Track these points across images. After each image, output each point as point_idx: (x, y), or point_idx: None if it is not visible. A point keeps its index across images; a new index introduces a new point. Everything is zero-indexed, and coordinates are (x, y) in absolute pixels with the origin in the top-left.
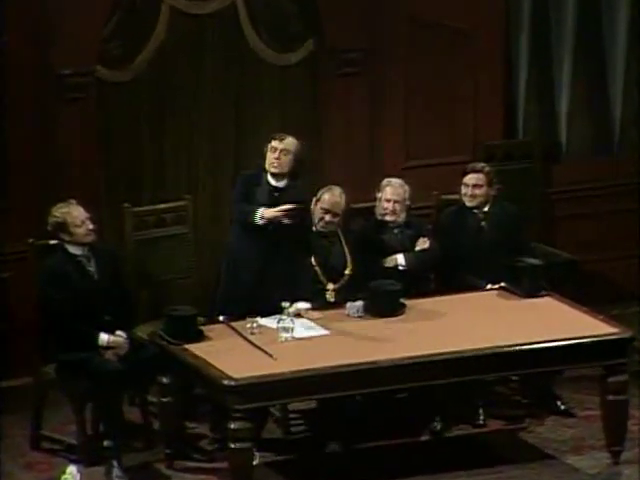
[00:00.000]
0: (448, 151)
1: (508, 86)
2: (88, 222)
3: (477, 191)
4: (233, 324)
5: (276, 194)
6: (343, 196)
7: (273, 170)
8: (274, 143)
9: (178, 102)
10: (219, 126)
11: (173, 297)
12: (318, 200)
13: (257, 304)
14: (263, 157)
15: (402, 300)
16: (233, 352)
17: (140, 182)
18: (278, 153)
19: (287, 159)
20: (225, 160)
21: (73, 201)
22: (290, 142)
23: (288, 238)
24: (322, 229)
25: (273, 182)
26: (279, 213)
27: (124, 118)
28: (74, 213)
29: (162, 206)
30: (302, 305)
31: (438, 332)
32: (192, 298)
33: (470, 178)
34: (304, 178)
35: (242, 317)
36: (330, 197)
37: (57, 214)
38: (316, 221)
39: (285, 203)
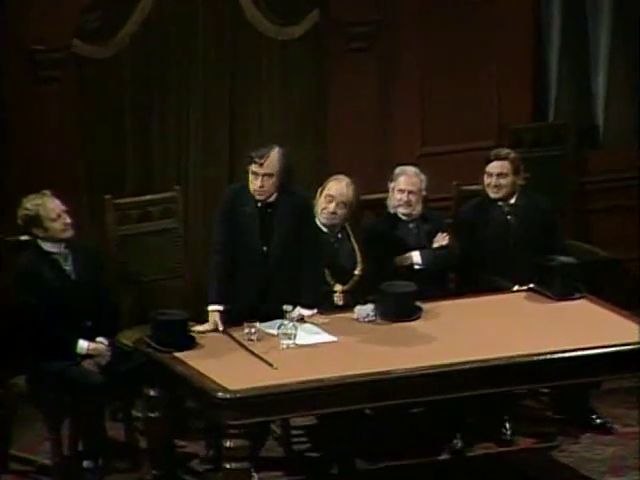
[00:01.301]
0: (469, 136)
1: (538, 62)
2: (65, 216)
3: (502, 181)
4: (229, 330)
5: (269, 210)
6: (352, 187)
7: (258, 197)
8: (254, 168)
9: (166, 82)
10: (212, 109)
11: (161, 299)
12: (323, 189)
13: (258, 312)
14: (246, 171)
15: (418, 303)
16: (228, 361)
17: (123, 171)
18: (260, 180)
19: (271, 182)
20: (219, 147)
21: (48, 192)
22: (272, 162)
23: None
24: (325, 221)
25: (261, 198)
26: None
27: (105, 99)
28: (49, 205)
29: (148, 198)
30: (306, 312)
31: (458, 339)
32: (182, 300)
33: (494, 166)
34: (296, 185)
35: (239, 321)
36: (337, 185)
37: (29, 206)
38: (319, 213)
39: (279, 220)
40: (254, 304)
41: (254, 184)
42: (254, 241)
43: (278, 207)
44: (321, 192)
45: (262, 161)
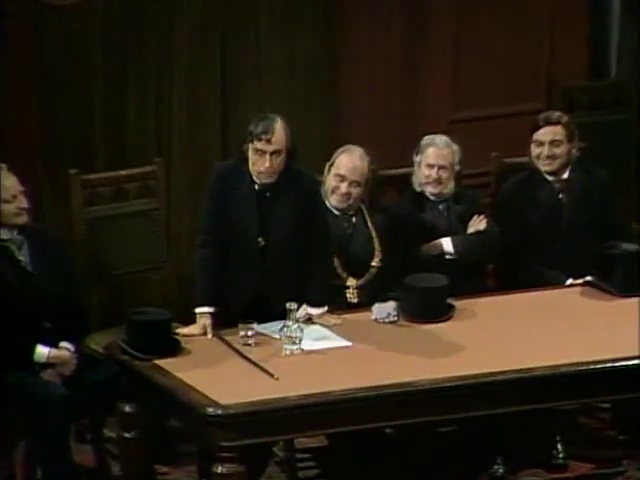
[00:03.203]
0: (512, 97)
1: (596, 9)
2: (21, 198)
3: (555, 150)
4: (221, 332)
5: (267, 194)
6: (366, 160)
7: (265, 180)
8: (260, 145)
9: (145, 35)
10: (200, 68)
11: (139, 296)
12: (332, 165)
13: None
14: (242, 147)
15: (449, 300)
16: (220, 370)
17: (92, 140)
18: (269, 159)
19: (280, 160)
20: (209, 112)
21: (4, 166)
22: (280, 137)
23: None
24: (337, 203)
25: (269, 181)
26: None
27: (72, 56)
28: (4, 183)
29: (123, 173)
30: (314, 310)
31: (498, 344)
32: (164, 297)
33: (544, 133)
34: (300, 161)
35: (232, 321)
36: (348, 159)
37: None
38: (328, 194)
39: (280, 206)
40: (250, 305)
41: (259, 165)
42: (250, 231)
43: (279, 190)
44: (330, 168)
45: (269, 136)
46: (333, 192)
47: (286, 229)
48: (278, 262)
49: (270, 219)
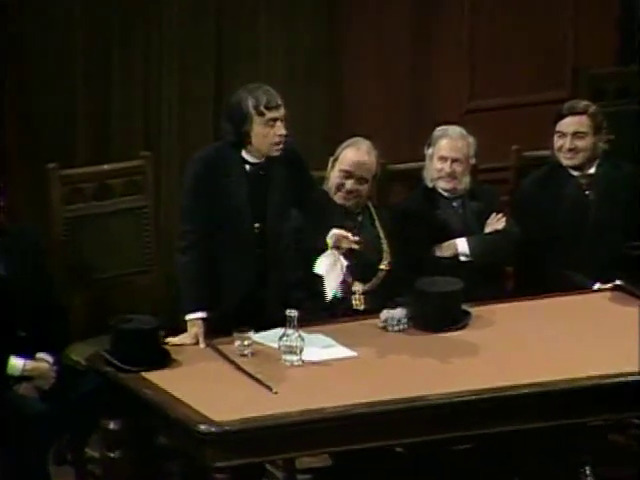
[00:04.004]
0: (534, 85)
1: None
2: None
3: (579, 143)
4: (214, 342)
5: (261, 172)
6: (374, 154)
7: (276, 153)
8: (271, 114)
9: (131, 16)
10: (192, 49)
11: (124, 302)
12: (336, 159)
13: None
14: (242, 128)
15: (464, 306)
16: (214, 383)
17: (73, 131)
18: (282, 126)
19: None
20: (201, 100)
21: None
22: (283, 104)
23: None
24: (342, 201)
25: (253, 159)
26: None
27: (49, 35)
28: None
29: (107, 167)
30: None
31: (518, 355)
32: (152, 303)
33: (567, 124)
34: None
35: (227, 328)
36: (354, 154)
37: None
38: (332, 191)
39: (274, 184)
40: (247, 303)
41: (272, 136)
42: (245, 217)
43: (271, 165)
44: (334, 163)
45: (279, 101)
46: (338, 189)
47: (282, 206)
48: (277, 247)
49: (264, 199)
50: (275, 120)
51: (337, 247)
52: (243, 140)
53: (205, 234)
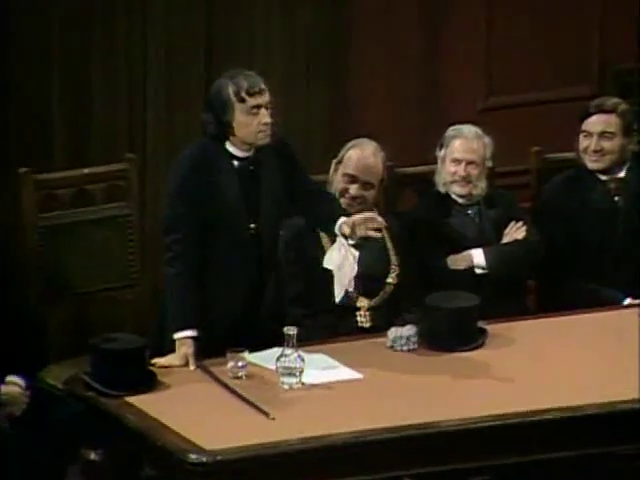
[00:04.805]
0: (557, 80)
1: None
2: None
3: (606, 144)
4: (205, 363)
5: (251, 167)
6: (380, 156)
7: (262, 141)
8: (254, 100)
9: (111, 4)
10: (180, 39)
11: (106, 319)
12: (339, 162)
13: (243, 334)
14: (224, 118)
15: (480, 324)
16: (205, 408)
17: (49, 132)
18: (267, 113)
19: (270, 114)
20: (191, 98)
21: None
22: (264, 84)
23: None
24: (346, 209)
25: (240, 152)
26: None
27: (24, 30)
28: None
29: (86, 171)
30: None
31: (540, 377)
32: (137, 320)
33: (594, 122)
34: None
35: (219, 349)
36: (358, 156)
37: None
38: (336, 197)
39: (266, 180)
40: (241, 317)
41: (256, 124)
42: (239, 217)
43: (262, 159)
44: (337, 166)
45: (262, 86)
46: (342, 195)
47: (276, 203)
48: (274, 250)
49: (258, 197)
50: (259, 107)
51: (347, 236)
52: (226, 131)
53: (194, 242)
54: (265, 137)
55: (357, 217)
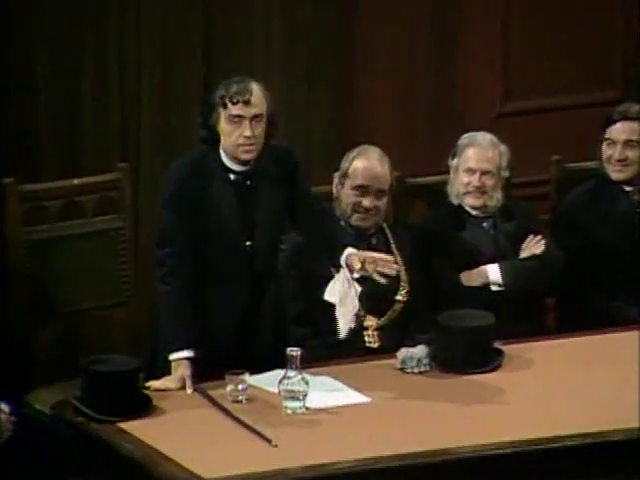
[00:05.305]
0: (579, 84)
1: None
2: None
3: (630, 153)
4: (203, 386)
5: (248, 182)
6: (386, 160)
7: (245, 157)
8: (236, 110)
9: (105, 2)
10: (177, 38)
11: (97, 339)
12: (344, 176)
13: (243, 355)
14: (210, 120)
15: (496, 344)
16: (203, 435)
17: (36, 139)
18: (249, 126)
19: (261, 128)
20: (188, 100)
21: None
22: (259, 98)
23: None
24: (360, 222)
25: (235, 165)
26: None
27: (9, 28)
28: None
29: (76, 182)
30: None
31: (560, 401)
32: (129, 340)
33: (618, 130)
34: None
35: (217, 371)
36: (365, 166)
37: None
38: (347, 213)
39: (264, 195)
40: (241, 339)
41: (237, 136)
42: (233, 235)
43: (261, 174)
44: (342, 180)
45: (247, 97)
46: (355, 210)
47: (274, 221)
48: (271, 264)
49: (255, 215)
50: (241, 117)
51: (356, 270)
52: (212, 137)
53: (190, 257)
54: (246, 152)
55: (370, 254)
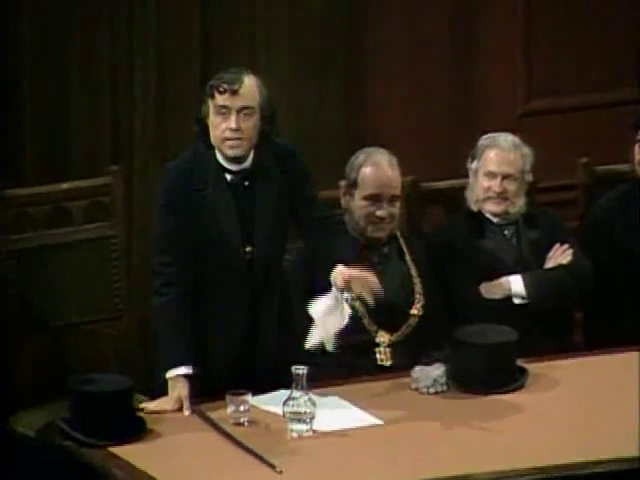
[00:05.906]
0: (607, 81)
1: None
2: None
3: None
4: (201, 408)
5: (247, 183)
6: (395, 163)
7: (231, 153)
8: (222, 100)
9: None
10: (174, 34)
11: (87, 356)
12: (353, 186)
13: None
14: (201, 112)
15: (519, 362)
16: (202, 460)
17: (20, 142)
18: (235, 119)
19: (252, 124)
20: (184, 99)
21: None
22: (250, 91)
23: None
24: (376, 233)
25: (232, 165)
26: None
27: None
28: None
29: (65, 186)
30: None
31: (590, 423)
32: (122, 358)
33: None
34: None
35: (216, 391)
36: (375, 173)
37: None
38: (361, 225)
39: (263, 196)
40: (242, 356)
41: (222, 129)
42: (231, 242)
43: (261, 175)
44: (351, 190)
45: (235, 87)
46: (369, 221)
47: (278, 229)
48: (272, 272)
49: (254, 218)
50: (227, 109)
51: (343, 290)
52: (203, 129)
53: (187, 266)
54: (231, 148)
55: (354, 273)
